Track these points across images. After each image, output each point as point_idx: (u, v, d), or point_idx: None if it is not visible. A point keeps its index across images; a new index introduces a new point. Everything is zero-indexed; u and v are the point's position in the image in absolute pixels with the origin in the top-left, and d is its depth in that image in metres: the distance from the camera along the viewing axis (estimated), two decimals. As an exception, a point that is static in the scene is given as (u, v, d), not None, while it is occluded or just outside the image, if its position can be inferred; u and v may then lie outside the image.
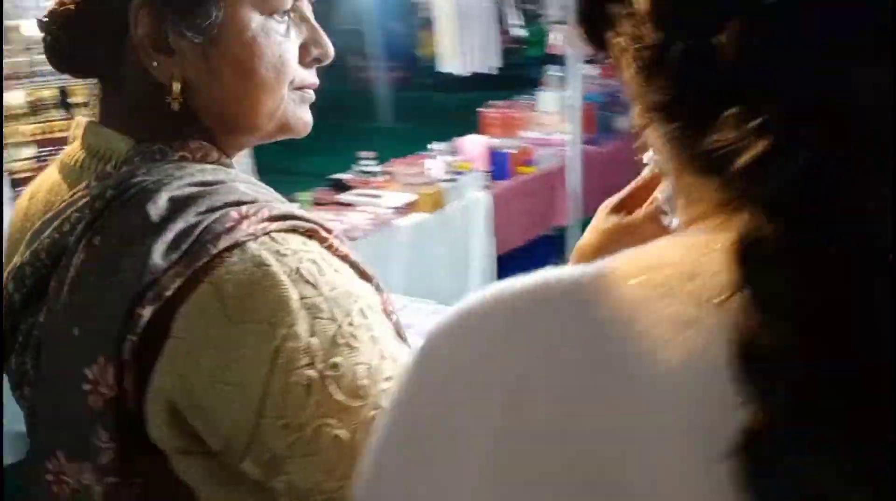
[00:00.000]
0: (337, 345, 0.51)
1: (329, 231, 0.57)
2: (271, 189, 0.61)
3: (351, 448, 0.50)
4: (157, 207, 0.52)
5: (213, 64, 0.57)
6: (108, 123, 0.60)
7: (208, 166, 0.58)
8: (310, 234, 0.55)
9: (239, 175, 0.60)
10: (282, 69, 0.59)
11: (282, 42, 0.59)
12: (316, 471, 0.50)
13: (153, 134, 0.57)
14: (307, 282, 0.51)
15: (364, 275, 0.57)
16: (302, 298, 0.50)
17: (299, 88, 0.63)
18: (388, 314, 0.57)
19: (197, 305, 0.49)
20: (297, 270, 0.51)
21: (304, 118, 0.64)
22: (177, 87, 0.56)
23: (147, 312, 0.49)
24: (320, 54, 0.63)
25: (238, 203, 0.54)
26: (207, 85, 0.58)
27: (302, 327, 0.50)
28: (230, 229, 0.51)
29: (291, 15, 0.60)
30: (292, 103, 0.62)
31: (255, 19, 0.57)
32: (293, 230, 0.54)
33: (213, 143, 0.60)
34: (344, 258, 0.56)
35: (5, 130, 2.19)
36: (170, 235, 0.51)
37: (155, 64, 0.56)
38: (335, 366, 0.50)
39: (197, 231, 0.51)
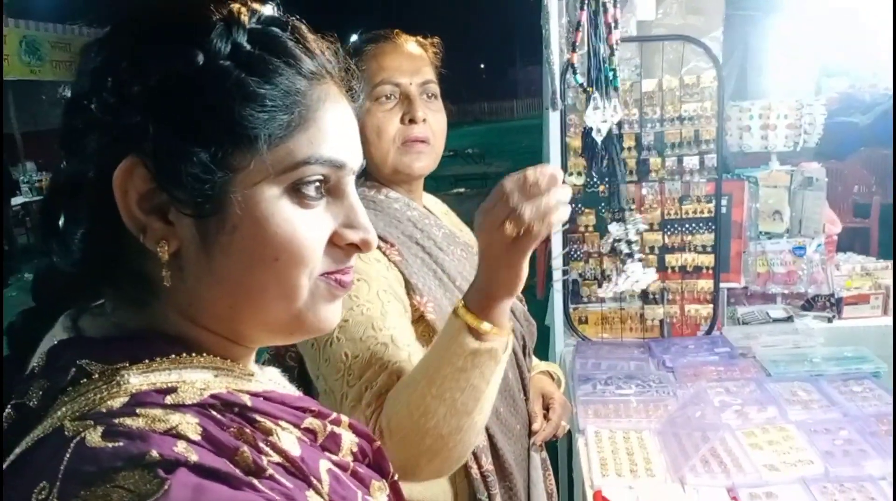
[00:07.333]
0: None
1: (389, 244, 1.02)
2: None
3: (350, 348, 0.93)
4: None
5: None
6: None
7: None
8: (379, 247, 0.99)
9: None
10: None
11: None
12: (331, 369, 0.95)
13: None
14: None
15: (407, 280, 1.02)
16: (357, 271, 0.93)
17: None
18: (409, 306, 1.02)
19: None
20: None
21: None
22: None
23: None
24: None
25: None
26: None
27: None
28: None
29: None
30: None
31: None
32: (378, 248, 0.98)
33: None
34: (395, 264, 1.02)
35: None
36: None
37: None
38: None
39: None
